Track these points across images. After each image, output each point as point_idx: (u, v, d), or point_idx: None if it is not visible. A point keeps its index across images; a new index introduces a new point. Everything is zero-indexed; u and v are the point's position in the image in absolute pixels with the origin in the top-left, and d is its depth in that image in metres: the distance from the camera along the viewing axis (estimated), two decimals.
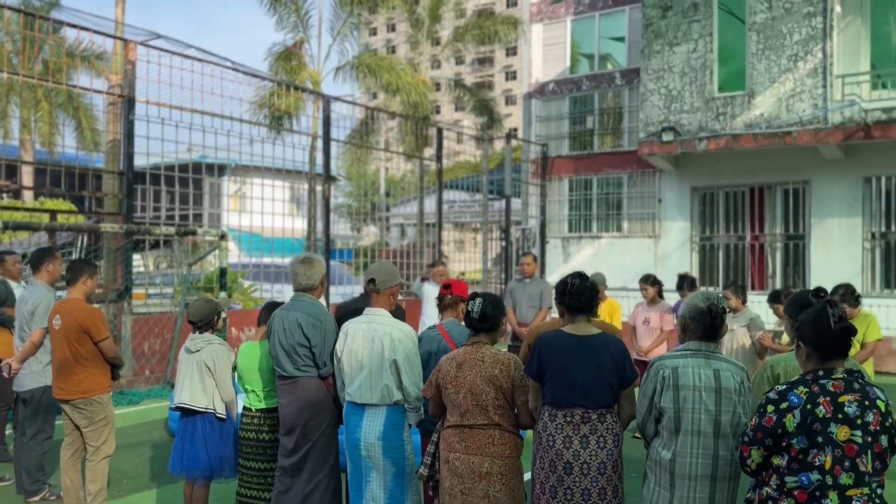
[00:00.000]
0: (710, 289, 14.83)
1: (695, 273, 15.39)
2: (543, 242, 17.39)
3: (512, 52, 72.69)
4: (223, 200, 27.99)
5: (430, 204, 26.55)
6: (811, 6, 13.23)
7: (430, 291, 9.11)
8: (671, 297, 8.18)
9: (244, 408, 4.30)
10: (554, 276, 16.95)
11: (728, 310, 6.93)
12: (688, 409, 2.95)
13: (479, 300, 3.49)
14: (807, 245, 14.30)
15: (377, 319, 3.76)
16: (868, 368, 6.13)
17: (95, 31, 9.05)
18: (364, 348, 3.69)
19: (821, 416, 2.61)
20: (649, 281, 7.52)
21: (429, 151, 16.92)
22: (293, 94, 12.99)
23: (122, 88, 9.27)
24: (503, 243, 16.81)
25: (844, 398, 2.62)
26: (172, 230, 9.05)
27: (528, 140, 17.43)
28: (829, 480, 2.58)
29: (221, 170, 27.77)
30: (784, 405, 2.66)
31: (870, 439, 2.59)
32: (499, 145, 23.42)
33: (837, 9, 13.49)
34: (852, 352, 5.94)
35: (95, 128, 24.05)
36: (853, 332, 2.69)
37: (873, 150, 13.34)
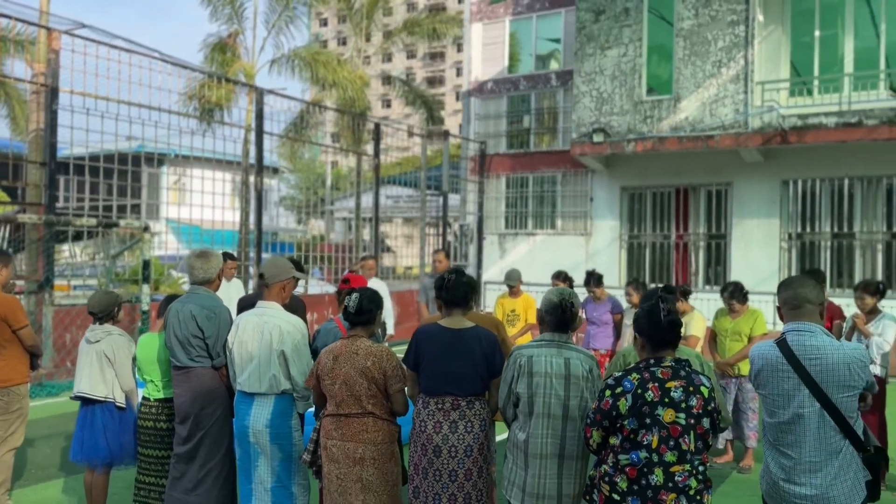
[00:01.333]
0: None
1: (623, 270, 15.90)
2: (481, 239, 17.69)
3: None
4: (162, 192, 27.57)
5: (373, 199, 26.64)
6: (735, 14, 13.79)
7: None
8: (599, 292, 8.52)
9: (143, 397, 4.41)
10: (490, 272, 17.29)
11: (629, 306, 7.31)
12: (540, 394, 3.21)
13: (355, 295, 3.67)
14: (728, 244, 14.91)
15: (267, 312, 3.92)
16: None
17: (17, 19, 8.93)
18: (254, 340, 3.86)
19: (649, 399, 2.89)
20: (560, 277, 7.84)
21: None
22: (224, 87, 12.95)
23: (46, 78, 9.17)
24: (443, 239, 17.03)
25: (671, 384, 2.90)
26: (94, 221, 9.00)
27: (467, 137, 17.70)
28: (655, 458, 2.86)
29: (161, 160, 27.30)
30: (619, 390, 2.94)
31: (693, 421, 2.88)
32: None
33: (760, 18, 14.09)
34: (739, 345, 6.35)
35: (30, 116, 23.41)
36: (679, 324, 2.98)
37: (791, 155, 13.98)
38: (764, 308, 12.45)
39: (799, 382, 2.96)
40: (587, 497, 3.05)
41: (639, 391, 2.90)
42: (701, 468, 2.91)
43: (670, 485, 2.84)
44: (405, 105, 19.48)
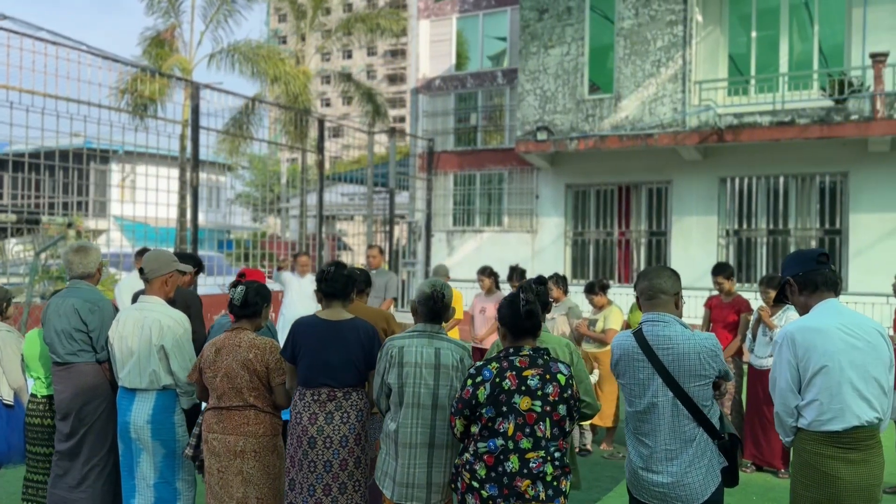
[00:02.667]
0: (583, 282, 15.54)
1: (568, 266, 16.06)
2: (429, 236, 17.70)
3: None
4: (108, 188, 27.02)
5: (330, 196, 26.47)
6: (673, 14, 14.01)
7: (291, 281, 9.24)
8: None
9: (31, 394, 4.33)
10: None
11: (550, 299, 7.39)
12: (410, 384, 3.24)
13: (241, 287, 3.65)
14: (668, 241, 15.15)
15: (148, 307, 3.88)
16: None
17: None
18: (134, 335, 3.81)
19: (506, 388, 2.93)
20: (486, 273, 7.89)
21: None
22: (158, 81, 12.75)
23: None
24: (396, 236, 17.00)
25: (528, 372, 2.95)
26: (14, 217, 8.78)
27: (414, 135, 17.70)
28: (510, 445, 2.90)
29: (105, 157, 26.77)
30: (479, 379, 2.97)
31: (549, 408, 2.93)
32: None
33: (699, 18, 14.36)
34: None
35: None
36: (536, 315, 3.02)
37: (728, 153, 14.26)
38: (701, 302, 12.78)
39: (653, 372, 3.03)
40: (453, 485, 3.08)
41: (497, 380, 2.94)
42: (557, 454, 2.95)
43: (525, 471, 2.88)
44: (362, 102, 19.38)
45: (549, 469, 2.91)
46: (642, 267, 15.51)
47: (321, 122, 14.71)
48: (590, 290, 6.96)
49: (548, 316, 7.33)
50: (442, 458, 3.25)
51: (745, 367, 6.39)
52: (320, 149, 14.71)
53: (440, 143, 17.77)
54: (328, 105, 67.17)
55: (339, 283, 3.59)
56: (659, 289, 3.14)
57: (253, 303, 3.66)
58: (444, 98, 17.91)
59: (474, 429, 2.98)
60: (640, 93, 14.30)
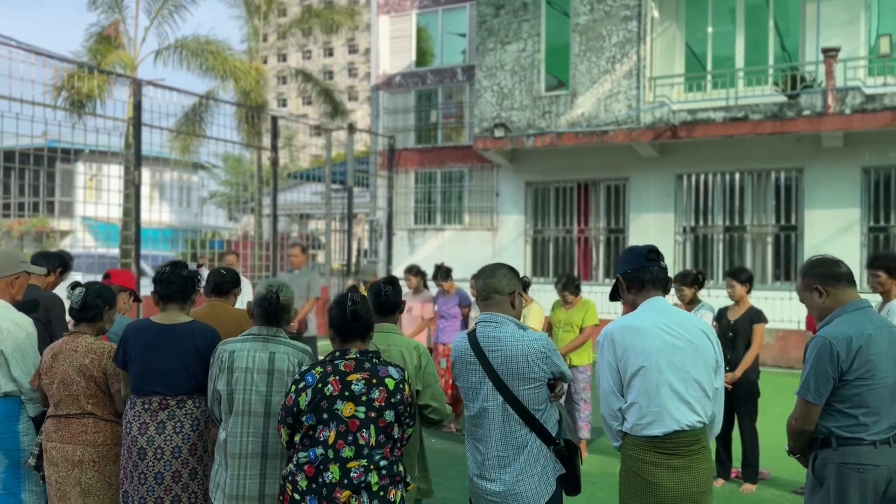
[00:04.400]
0: (541, 279, 15.43)
1: (528, 264, 15.94)
2: (391, 234, 17.53)
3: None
4: (76, 189, 26.65)
5: (300, 195, 26.26)
6: (628, 10, 13.91)
7: None
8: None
9: None
10: (401, 269, 17.12)
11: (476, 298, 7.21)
12: (239, 391, 3.07)
13: (79, 290, 3.47)
14: (625, 238, 15.04)
15: None
16: (587, 351, 6.53)
17: None
18: None
19: (328, 394, 2.77)
20: (412, 271, 7.74)
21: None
22: (97, 77, 12.50)
23: None
24: (362, 234, 16.82)
25: (353, 377, 2.79)
26: None
27: (374, 132, 17.52)
28: (331, 454, 2.74)
29: (77, 156, 26.42)
30: (302, 384, 2.81)
31: (374, 414, 2.77)
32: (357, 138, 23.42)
33: (655, 13, 14.26)
34: (571, 336, 6.31)
35: None
36: (362, 317, 2.87)
37: (684, 149, 14.17)
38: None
39: (484, 375, 2.89)
40: (280, 497, 2.92)
41: (319, 385, 2.78)
42: (384, 463, 2.79)
43: (346, 481, 2.72)
44: (319, 101, 19.15)
45: (373, 479, 2.75)
46: (601, 264, 15.42)
47: (274, 120, 14.50)
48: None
49: (471, 315, 7.21)
50: (276, 468, 3.08)
51: None
52: (274, 147, 14.50)
53: (401, 140, 17.59)
54: (285, 105, 66.87)
55: (175, 285, 3.39)
56: (493, 289, 2.99)
57: (93, 305, 3.48)
58: (405, 95, 17.73)
59: (297, 437, 2.82)
60: (596, 89, 14.19)
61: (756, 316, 5.65)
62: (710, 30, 14.29)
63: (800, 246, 13.46)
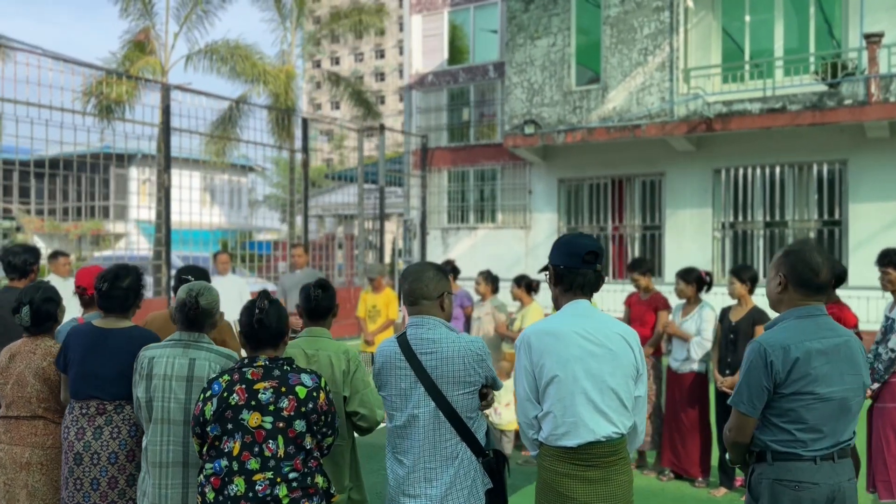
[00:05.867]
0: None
1: None
2: (424, 234, 17.48)
3: None
4: (130, 192, 27.42)
5: (344, 197, 26.47)
6: (660, 0, 13.50)
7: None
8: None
9: None
10: None
11: (479, 296, 7.10)
12: (158, 398, 3.01)
13: (25, 308, 3.47)
14: (662, 235, 14.63)
15: None
16: None
17: None
18: None
19: (233, 403, 2.68)
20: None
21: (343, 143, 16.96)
22: (126, 83, 12.78)
23: None
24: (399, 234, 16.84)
25: (261, 385, 2.70)
26: None
27: (407, 132, 17.48)
28: (235, 466, 2.66)
29: (130, 160, 27.23)
30: (209, 393, 2.74)
31: (282, 424, 2.67)
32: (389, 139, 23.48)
33: (689, 3, 13.81)
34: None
35: None
36: (268, 324, 2.77)
37: (721, 142, 13.68)
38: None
39: (416, 380, 2.75)
40: None
41: (224, 394, 2.70)
42: (294, 475, 2.69)
43: (251, 495, 2.63)
44: (351, 102, 19.23)
45: (281, 492, 2.65)
46: None
47: (305, 122, 14.62)
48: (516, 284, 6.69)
49: (473, 315, 7.07)
50: (198, 477, 3.01)
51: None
52: (304, 148, 14.61)
53: (434, 139, 17.51)
54: (319, 109, 67.68)
55: (115, 300, 3.31)
56: (421, 294, 2.85)
57: (45, 317, 3.49)
58: (437, 94, 17.64)
59: (205, 449, 2.75)
60: (628, 83, 13.83)
61: (759, 317, 5.35)
62: (747, 18, 13.76)
63: (844, 241, 12.84)
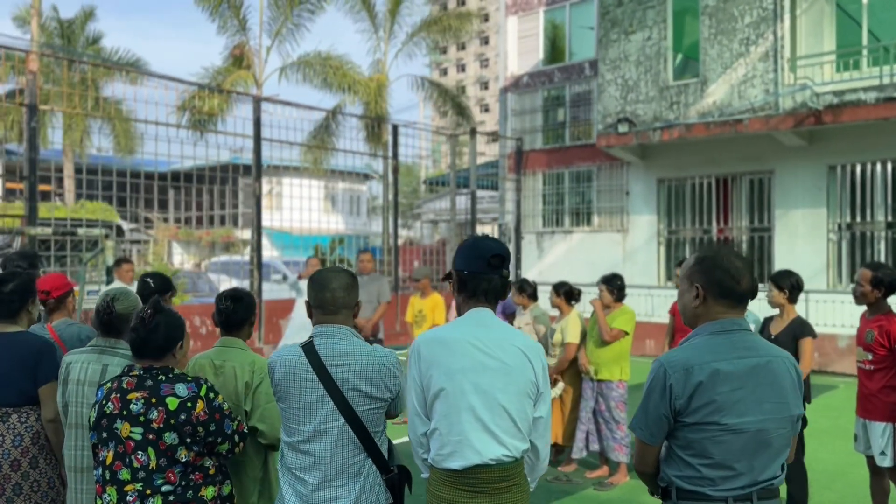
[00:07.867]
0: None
1: (661, 268, 14.84)
2: (519, 238, 17.15)
3: None
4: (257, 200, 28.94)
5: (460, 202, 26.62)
6: None
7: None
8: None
9: None
10: (530, 273, 16.67)
11: (520, 306, 6.79)
12: (73, 403, 3.00)
13: None
14: (772, 238, 13.51)
15: None
16: (619, 364, 5.84)
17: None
18: None
19: (108, 412, 2.63)
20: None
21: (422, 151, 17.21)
22: (218, 97, 13.38)
23: (24, 97, 9.87)
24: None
25: (133, 395, 2.62)
26: (50, 230, 9.55)
27: (502, 135, 17.24)
28: (108, 475, 2.60)
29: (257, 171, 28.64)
30: (93, 401, 2.70)
31: (152, 437, 2.58)
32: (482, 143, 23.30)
33: None
34: (593, 347, 5.70)
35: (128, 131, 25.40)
36: (146, 335, 2.67)
37: (837, 136, 12.45)
38: (813, 307, 11.18)
39: (324, 393, 2.55)
40: None
41: (103, 402, 2.65)
42: (167, 488, 2.58)
43: None
44: (447, 106, 19.24)
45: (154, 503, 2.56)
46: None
47: (395, 128, 14.75)
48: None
49: (514, 324, 6.76)
50: None
51: None
52: (394, 154, 14.75)
53: (529, 141, 17.16)
54: (429, 119, 68.16)
55: (2, 305, 3.27)
56: (343, 304, 2.65)
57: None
58: (532, 95, 17.27)
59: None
60: (729, 75, 12.88)
61: (801, 329, 4.71)
62: (864, 1, 12.42)
63: None
